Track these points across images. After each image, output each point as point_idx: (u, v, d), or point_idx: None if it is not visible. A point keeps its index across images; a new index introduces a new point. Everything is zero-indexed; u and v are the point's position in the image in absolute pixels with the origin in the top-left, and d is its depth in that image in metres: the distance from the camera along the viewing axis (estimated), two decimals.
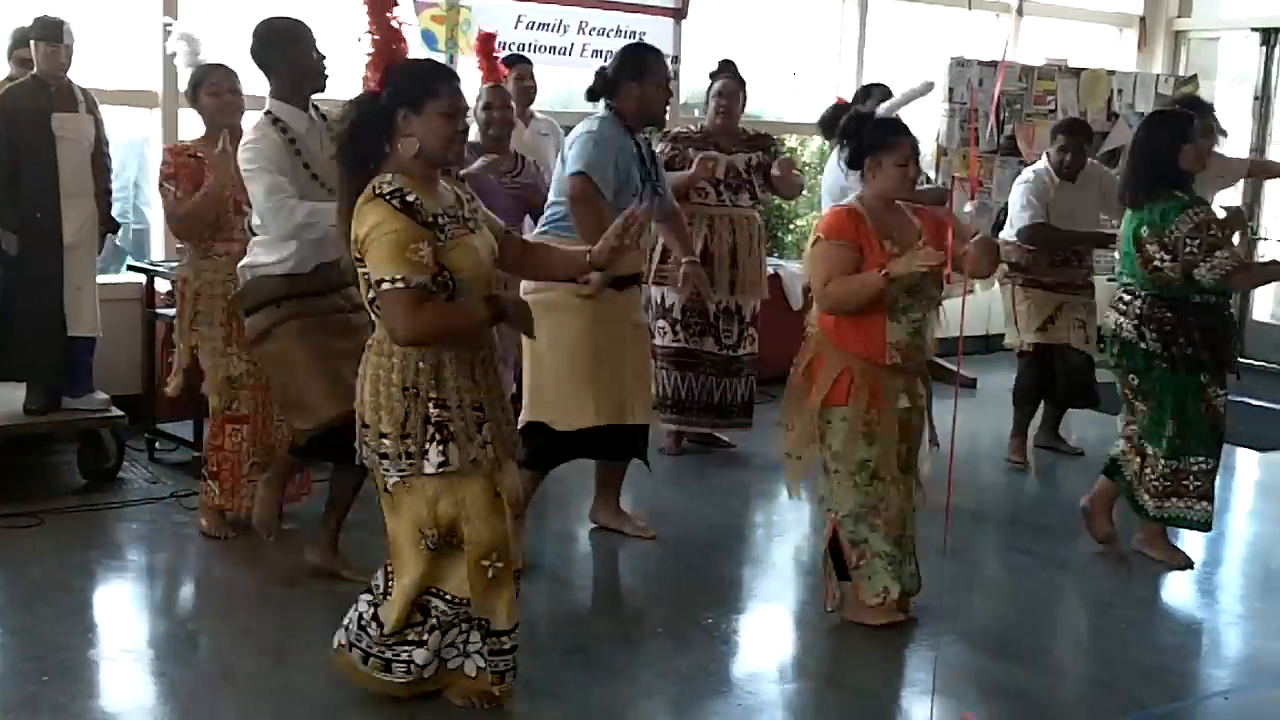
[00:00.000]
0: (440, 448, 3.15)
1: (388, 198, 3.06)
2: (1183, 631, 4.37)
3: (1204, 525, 4.71)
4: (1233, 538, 5.55)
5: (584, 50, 7.15)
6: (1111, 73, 8.56)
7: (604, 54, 7.13)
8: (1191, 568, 4.79)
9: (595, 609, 4.43)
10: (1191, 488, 4.65)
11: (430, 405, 3.15)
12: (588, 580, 4.71)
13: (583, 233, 4.31)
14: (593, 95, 4.70)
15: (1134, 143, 4.76)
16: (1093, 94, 8.28)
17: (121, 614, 4.22)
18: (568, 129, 5.04)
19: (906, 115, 4.82)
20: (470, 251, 3.19)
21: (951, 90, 7.79)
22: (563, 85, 8.14)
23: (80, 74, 5.22)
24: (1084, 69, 8.41)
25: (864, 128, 4.07)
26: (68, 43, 5.05)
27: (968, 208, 5.00)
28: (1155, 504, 4.69)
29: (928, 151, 8.10)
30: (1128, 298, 4.68)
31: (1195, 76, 9.04)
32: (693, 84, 8.03)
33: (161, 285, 5.59)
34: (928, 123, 8.03)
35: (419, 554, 3.24)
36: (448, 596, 3.30)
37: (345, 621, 3.41)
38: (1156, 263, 4.53)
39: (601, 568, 4.79)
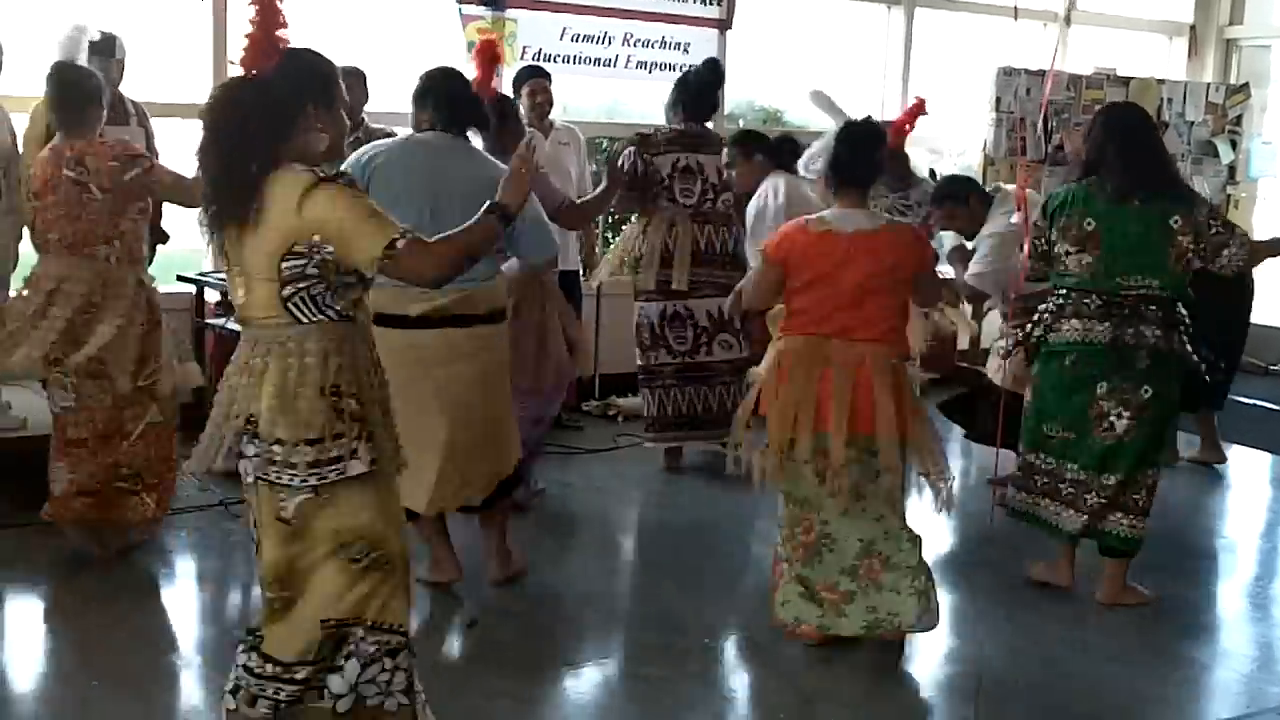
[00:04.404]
0: (369, 445, 2.84)
1: (338, 181, 2.77)
2: (1236, 645, 4.30)
3: None
4: None
5: (629, 62, 7.16)
6: (1161, 82, 8.49)
7: (649, 66, 7.17)
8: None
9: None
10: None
11: (353, 402, 2.83)
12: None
13: None
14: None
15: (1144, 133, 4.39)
16: (1142, 103, 8.18)
17: (171, 621, 4.24)
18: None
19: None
20: None
21: (999, 99, 7.74)
22: (608, 97, 8.16)
23: (131, 87, 5.30)
24: (1133, 78, 8.33)
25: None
26: (119, 57, 5.12)
27: (1014, 219, 4.91)
28: None
29: (974, 162, 8.07)
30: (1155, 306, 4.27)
31: (1246, 85, 8.94)
32: (737, 95, 8.04)
33: (211, 295, 5.65)
34: (975, 132, 8.00)
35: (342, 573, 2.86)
36: (371, 623, 2.89)
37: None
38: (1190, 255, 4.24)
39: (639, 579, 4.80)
